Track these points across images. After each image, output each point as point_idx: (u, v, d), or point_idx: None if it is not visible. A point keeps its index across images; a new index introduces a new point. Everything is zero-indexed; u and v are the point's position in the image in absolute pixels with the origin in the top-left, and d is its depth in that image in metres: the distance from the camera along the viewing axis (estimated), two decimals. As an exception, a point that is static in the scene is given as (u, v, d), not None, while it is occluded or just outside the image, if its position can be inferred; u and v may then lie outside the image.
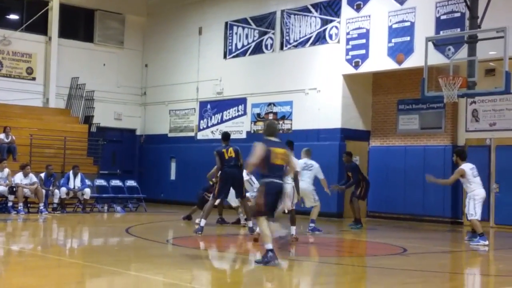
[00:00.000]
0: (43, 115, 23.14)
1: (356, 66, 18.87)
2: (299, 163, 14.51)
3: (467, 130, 18.19)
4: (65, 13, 24.28)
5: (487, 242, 13.16)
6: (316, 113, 19.72)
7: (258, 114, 21.48)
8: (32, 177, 18.06)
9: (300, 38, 20.41)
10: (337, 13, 19.42)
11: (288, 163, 9.87)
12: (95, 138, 23.01)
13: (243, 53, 22.11)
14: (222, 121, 22.63)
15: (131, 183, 20.93)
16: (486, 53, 15.07)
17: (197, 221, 14.46)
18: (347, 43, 19.07)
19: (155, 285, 8.26)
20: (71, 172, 18.89)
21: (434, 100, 17.13)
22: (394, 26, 18.06)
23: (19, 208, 17.58)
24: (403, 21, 17.88)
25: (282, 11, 20.91)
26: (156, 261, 9.99)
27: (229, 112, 22.40)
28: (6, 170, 17.92)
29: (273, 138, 9.70)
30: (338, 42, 19.31)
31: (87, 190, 18.85)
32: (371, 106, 20.11)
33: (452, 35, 16.38)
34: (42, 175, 18.53)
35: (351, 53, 18.97)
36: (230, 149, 13.70)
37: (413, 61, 17.41)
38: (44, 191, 18.09)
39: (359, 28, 18.83)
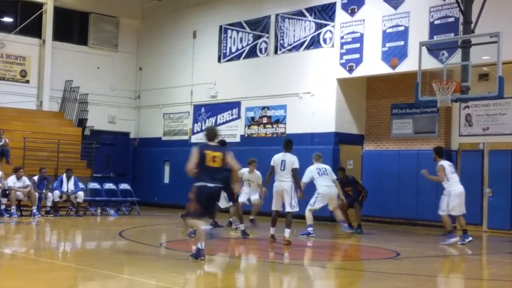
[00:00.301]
0: (36, 118, 23.11)
1: (350, 70, 18.90)
2: (312, 170, 14.65)
3: (460, 135, 18.23)
4: (59, 16, 24.27)
5: (457, 239, 13.64)
6: (310, 117, 19.74)
7: (252, 118, 21.49)
8: (25, 180, 18.01)
9: (294, 42, 20.44)
10: (331, 17, 19.45)
11: (228, 164, 10.16)
12: (88, 141, 22.99)
13: (238, 57, 22.13)
14: (216, 125, 22.58)
15: (124, 186, 20.91)
16: (479, 58, 15.10)
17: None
18: (341, 47, 19.10)
19: (148, 288, 8.25)
20: (64, 175, 18.85)
21: (428, 105, 17.18)
22: (388, 30, 18.11)
23: (12, 211, 17.54)
24: (397, 25, 17.93)
25: (277, 15, 20.95)
26: (149, 264, 9.97)
27: (223, 116, 22.41)
28: (-1, 173, 17.89)
29: (211, 143, 10.19)
30: (332, 46, 19.35)
31: (81, 194, 18.81)
32: (365, 110, 20.15)
33: (446, 40, 16.42)
34: (35, 178, 18.48)
35: (345, 57, 19.01)
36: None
37: (407, 65, 17.46)
38: (37, 194, 18.04)
39: (353, 32, 18.87)
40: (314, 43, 19.86)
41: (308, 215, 14.79)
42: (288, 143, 13.16)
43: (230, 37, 22.40)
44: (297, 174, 12.87)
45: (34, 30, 23.88)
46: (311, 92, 19.85)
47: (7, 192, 17.62)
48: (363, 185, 16.82)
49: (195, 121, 23.42)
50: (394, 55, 17.91)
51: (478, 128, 17.84)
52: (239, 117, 21.93)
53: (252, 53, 21.67)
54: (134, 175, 24.78)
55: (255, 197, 15.89)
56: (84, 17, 25.11)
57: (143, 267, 9.68)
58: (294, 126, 20.18)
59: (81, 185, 19.25)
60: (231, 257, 11.79)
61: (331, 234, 16.28)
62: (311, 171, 14.83)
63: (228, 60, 22.47)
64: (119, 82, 25.46)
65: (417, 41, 16.02)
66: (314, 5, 19.94)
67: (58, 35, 24.30)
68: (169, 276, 8.93)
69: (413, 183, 17.87)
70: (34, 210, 17.83)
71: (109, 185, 20.71)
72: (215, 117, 22.70)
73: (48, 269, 9.51)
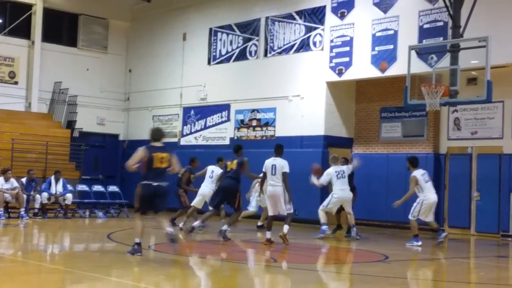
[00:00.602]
0: (25, 120, 22.99)
1: (340, 73, 18.94)
2: (330, 173, 14.86)
3: (449, 138, 18.30)
4: (48, 17, 24.17)
5: (419, 243, 14.05)
6: (300, 120, 19.76)
7: (242, 121, 21.49)
8: (13, 182, 17.93)
9: (284, 45, 20.47)
10: (321, 21, 19.49)
11: (172, 164, 10.79)
12: (77, 143, 22.89)
13: (227, 60, 22.13)
14: (205, 127, 22.62)
15: (113, 188, 20.85)
16: (468, 62, 15.19)
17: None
18: (331, 51, 19.14)
19: (136, 291, 8.23)
20: (52, 177, 18.78)
21: (417, 108, 17.22)
22: (378, 34, 18.16)
23: (0, 213, 17.43)
24: (387, 29, 17.99)
25: (267, 18, 20.96)
26: (137, 267, 9.95)
27: (212, 118, 22.39)
28: (-13, 175, 17.80)
29: (156, 144, 10.85)
30: (322, 49, 19.38)
31: (69, 196, 18.74)
32: (354, 113, 20.19)
33: (434, 44, 16.49)
34: (24, 180, 18.40)
35: (334, 60, 19.05)
36: (235, 161, 14.17)
37: (396, 69, 17.52)
38: (25, 196, 17.97)
39: (343, 35, 18.92)
40: (304, 46, 19.90)
41: (321, 214, 15.16)
42: (279, 147, 13.34)
43: (220, 39, 22.40)
44: (286, 178, 12.93)
45: (23, 31, 23.77)
46: (300, 95, 19.87)
47: (-6, 194, 17.53)
48: (355, 185, 16.89)
49: (185, 123, 23.40)
50: (383, 59, 17.97)
51: (467, 132, 17.93)
52: (228, 119, 21.92)
53: (242, 55, 21.67)
54: (123, 177, 24.65)
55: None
56: (74, 18, 25.02)
57: (131, 269, 9.66)
58: (283, 129, 20.19)
59: (69, 187, 19.18)
60: (218, 259, 11.76)
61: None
62: (329, 174, 15.24)
63: (218, 63, 22.46)
64: (109, 84, 25.39)
65: (406, 45, 16.10)
66: (304, 8, 19.98)
67: (47, 37, 24.20)
68: (157, 279, 8.91)
69: (402, 186, 17.83)
70: (22, 212, 17.74)
71: (97, 187, 20.66)
72: (204, 120, 22.68)
73: (35, 272, 9.47)
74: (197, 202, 15.90)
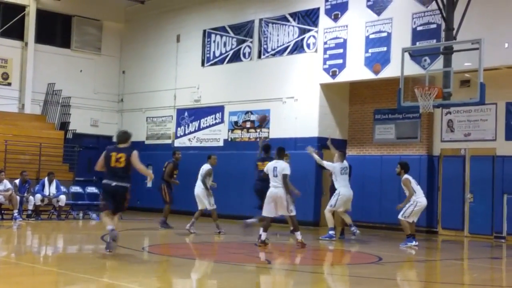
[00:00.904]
0: (18, 121, 22.93)
1: (333, 75, 18.97)
2: (335, 166, 14.96)
3: (442, 140, 18.36)
4: (42, 18, 24.13)
5: (416, 243, 14.12)
6: (293, 121, 19.79)
7: (236, 122, 21.49)
8: (6, 184, 17.87)
9: (278, 47, 20.49)
10: (314, 23, 19.53)
11: (133, 163, 11.06)
12: (71, 144, 22.86)
13: (221, 61, 22.13)
14: (199, 129, 22.62)
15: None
16: (461, 65, 15.24)
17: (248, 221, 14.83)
18: (325, 53, 19.18)
19: (130, 293, 8.22)
20: (46, 179, 18.74)
21: (410, 110, 17.29)
22: (371, 36, 18.21)
23: (-7, 214, 17.39)
24: (380, 31, 18.04)
25: (260, 20, 20.99)
26: (131, 268, 9.94)
27: (206, 120, 22.39)
28: (-20, 176, 17.74)
29: (121, 145, 11.21)
30: (316, 51, 19.42)
31: (62, 197, 18.70)
32: (348, 115, 20.23)
33: (428, 46, 16.54)
34: (17, 181, 18.36)
35: (328, 62, 19.09)
36: (266, 162, 14.28)
37: (390, 71, 17.57)
38: (18, 197, 17.91)
39: (337, 38, 18.95)
40: (298, 48, 19.92)
41: (329, 216, 15.09)
42: (280, 150, 13.55)
43: (214, 41, 22.40)
44: (287, 180, 13.03)
45: (17, 32, 23.72)
46: (294, 97, 19.90)
47: (-12, 195, 17.48)
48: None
49: (178, 125, 23.38)
50: (377, 61, 18.01)
51: (460, 134, 17.99)
52: (222, 121, 21.92)
53: (235, 57, 21.69)
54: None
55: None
56: (67, 20, 24.98)
57: (125, 271, 9.65)
58: (277, 130, 20.21)
59: (63, 188, 19.13)
60: (213, 261, 11.76)
61: (314, 238, 16.29)
62: (334, 167, 15.26)
63: (211, 64, 22.47)
64: (102, 86, 25.36)
65: (399, 47, 16.14)
66: (297, 10, 20.00)
67: (41, 38, 24.16)
68: (151, 281, 8.91)
69: (395, 188, 17.89)
70: (16, 214, 17.69)
71: (91, 189, 20.60)
72: (198, 121, 22.68)
73: (29, 274, 9.44)
74: (199, 205, 15.83)
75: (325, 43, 19.19)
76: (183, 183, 17.10)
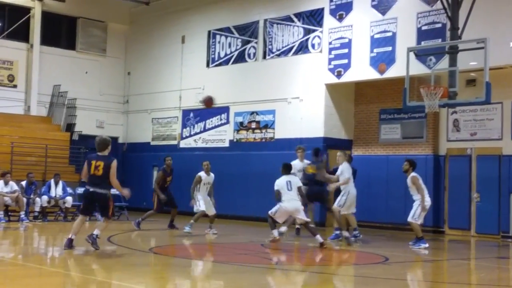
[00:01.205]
0: (24, 123, 22.98)
1: (339, 75, 18.96)
2: (343, 170, 14.86)
3: (448, 140, 18.33)
4: (47, 20, 24.18)
5: (427, 245, 14.01)
6: (299, 122, 19.78)
7: (241, 123, 21.49)
8: (13, 185, 17.92)
9: (282, 47, 20.49)
10: (319, 23, 19.52)
11: (110, 173, 11.38)
12: (76, 146, 22.89)
13: (226, 62, 22.14)
14: (205, 130, 22.62)
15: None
16: (467, 64, 15.21)
17: (282, 229, 14.44)
18: (330, 53, 19.16)
19: (137, 294, 8.23)
20: (52, 180, 18.78)
21: (416, 110, 17.25)
22: (376, 36, 18.18)
23: (0, 216, 17.43)
24: (385, 31, 18.01)
25: (265, 20, 20.98)
26: (138, 270, 9.95)
27: (212, 121, 22.40)
28: (-13, 178, 17.79)
29: (100, 153, 11.52)
30: (321, 51, 19.40)
31: (69, 199, 18.74)
32: (353, 115, 20.21)
33: (433, 45, 16.51)
34: (23, 183, 18.40)
35: (333, 62, 19.07)
36: (314, 165, 14.76)
37: (395, 71, 17.54)
38: (25, 199, 17.97)
39: (342, 38, 18.94)
40: (303, 48, 19.91)
41: (339, 216, 14.93)
42: (287, 167, 13.73)
43: (219, 42, 22.41)
44: (302, 192, 13.54)
45: (22, 34, 23.78)
46: (299, 97, 19.89)
47: (-6, 197, 17.52)
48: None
49: (184, 126, 23.40)
50: (382, 61, 17.99)
51: (466, 133, 17.95)
52: (227, 122, 21.92)
53: (240, 58, 21.69)
54: (123, 180, 24.52)
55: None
56: (72, 21, 25.03)
57: (132, 272, 9.66)
58: (282, 131, 20.21)
59: (69, 190, 19.17)
60: (219, 262, 11.76)
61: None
62: (343, 172, 14.97)
63: (216, 65, 22.48)
64: (107, 87, 25.40)
65: (404, 47, 16.10)
66: (302, 10, 19.99)
67: (46, 40, 24.21)
68: (158, 282, 8.91)
69: (402, 188, 17.85)
70: (22, 215, 17.74)
71: (97, 190, 20.57)
72: (203, 122, 22.68)
73: (36, 275, 9.46)
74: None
75: (330, 43, 19.17)
76: (188, 185, 17.02)
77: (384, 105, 19.41)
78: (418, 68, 16.21)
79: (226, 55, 22.16)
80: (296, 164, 15.97)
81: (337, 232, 15.05)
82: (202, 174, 15.74)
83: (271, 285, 9.46)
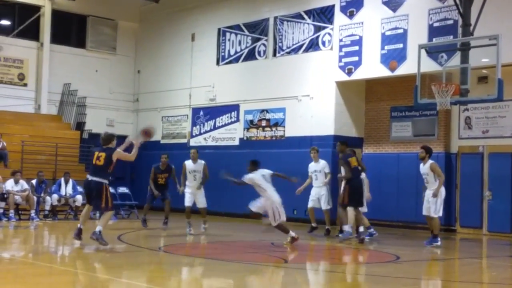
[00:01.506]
0: (34, 122, 23.04)
1: (349, 73, 18.87)
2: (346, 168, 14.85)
3: (460, 138, 18.20)
4: (57, 19, 24.22)
5: (439, 243, 13.74)
6: (309, 120, 19.71)
7: (251, 121, 21.45)
8: (23, 184, 17.96)
9: (293, 44, 20.41)
10: (330, 20, 19.43)
11: (120, 157, 11.85)
12: (87, 144, 22.92)
13: (236, 60, 22.09)
14: (215, 128, 22.59)
15: (123, 190, 20.83)
16: (478, 61, 15.10)
17: (346, 228, 14.42)
18: (340, 50, 19.07)
19: (147, 293, 8.21)
20: (62, 179, 18.81)
21: (427, 107, 17.14)
22: (387, 33, 18.08)
23: (10, 215, 17.49)
24: (396, 28, 17.91)
25: (275, 18, 20.92)
26: (148, 268, 9.93)
27: (222, 119, 22.36)
28: (-3, 177, 17.83)
29: (105, 146, 11.95)
30: (331, 49, 19.31)
31: (79, 197, 18.74)
32: (364, 113, 20.11)
33: (444, 42, 16.40)
34: (34, 181, 18.44)
35: (344, 60, 18.98)
36: (353, 158, 14.53)
37: (406, 68, 17.42)
38: (35, 198, 18.00)
39: (352, 35, 18.84)
40: (313, 45, 19.83)
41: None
42: (255, 163, 13.65)
43: (229, 39, 22.37)
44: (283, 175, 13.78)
45: (32, 33, 23.84)
46: (310, 95, 19.81)
47: (5, 196, 17.56)
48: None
49: (194, 124, 23.38)
50: (393, 58, 17.88)
51: (478, 131, 17.82)
52: (238, 120, 21.88)
53: (250, 56, 21.63)
54: (133, 178, 24.69)
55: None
56: (82, 20, 25.07)
57: (142, 271, 9.64)
58: (293, 129, 20.14)
59: (79, 188, 19.14)
60: (230, 261, 11.72)
61: (329, 237, 16.22)
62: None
63: (226, 63, 22.43)
64: (117, 85, 25.42)
65: (416, 44, 16.00)
66: (312, 7, 19.91)
67: (56, 38, 24.26)
68: (168, 281, 8.88)
69: (413, 186, 17.82)
70: (33, 214, 17.78)
71: (107, 189, 20.60)
72: (213, 120, 22.66)
73: (46, 274, 9.46)
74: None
75: (341, 40, 19.08)
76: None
77: (395, 103, 19.30)
78: (429, 65, 16.09)
79: (236, 52, 22.11)
80: (312, 166, 15.90)
81: (370, 230, 14.87)
82: (187, 162, 15.64)
83: (281, 284, 9.40)
